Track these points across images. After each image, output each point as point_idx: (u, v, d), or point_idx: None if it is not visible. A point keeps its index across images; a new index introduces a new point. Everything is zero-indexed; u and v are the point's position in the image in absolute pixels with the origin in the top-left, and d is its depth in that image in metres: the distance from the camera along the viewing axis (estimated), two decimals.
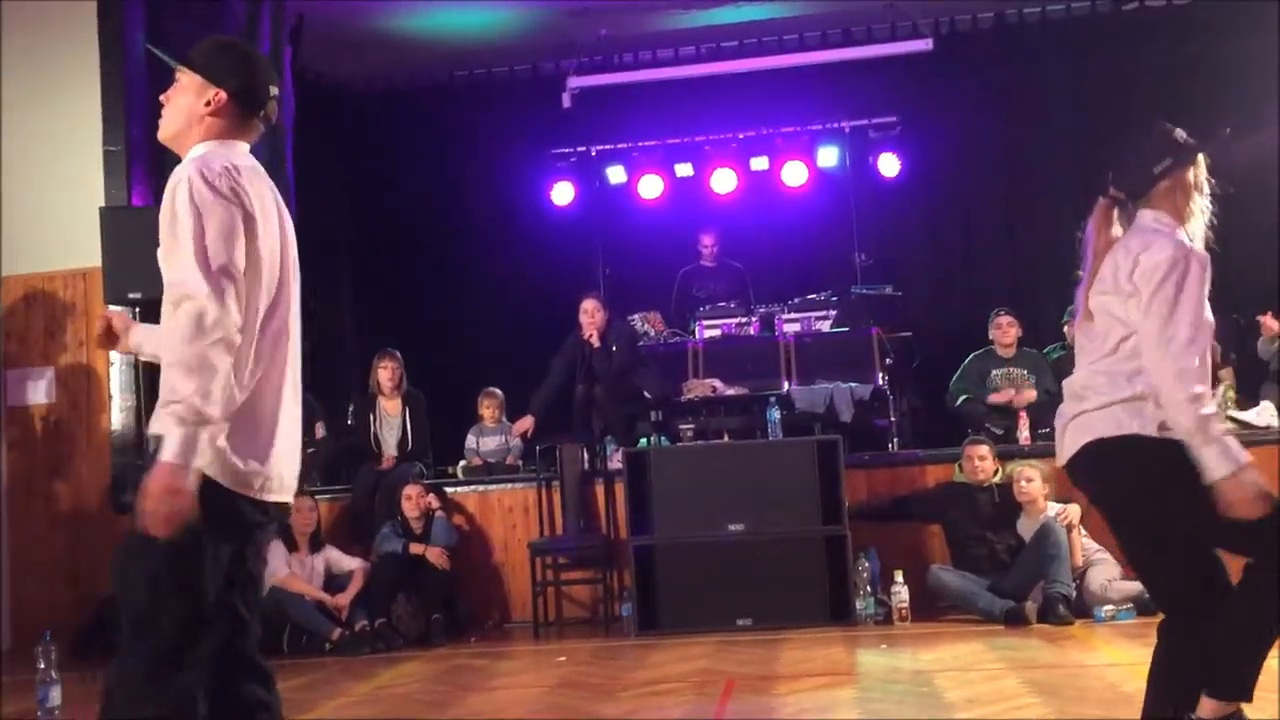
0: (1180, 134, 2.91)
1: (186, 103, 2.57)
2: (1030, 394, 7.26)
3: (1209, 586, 2.75)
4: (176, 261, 2.42)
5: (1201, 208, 2.89)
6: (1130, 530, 2.87)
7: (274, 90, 2.62)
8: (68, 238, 7.24)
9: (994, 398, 7.34)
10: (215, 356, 2.30)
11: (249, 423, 2.43)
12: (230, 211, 2.42)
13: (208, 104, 2.55)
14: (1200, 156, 2.91)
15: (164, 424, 2.28)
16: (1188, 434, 2.65)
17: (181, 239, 2.41)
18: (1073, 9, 9.56)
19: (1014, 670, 4.73)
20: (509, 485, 7.25)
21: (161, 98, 2.62)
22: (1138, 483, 2.76)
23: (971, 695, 4.31)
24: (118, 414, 7.30)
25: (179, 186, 2.43)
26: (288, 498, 2.53)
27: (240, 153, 2.55)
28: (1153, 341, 2.71)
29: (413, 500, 6.74)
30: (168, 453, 2.26)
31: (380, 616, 6.35)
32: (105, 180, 7.32)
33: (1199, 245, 2.84)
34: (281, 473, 2.48)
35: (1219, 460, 2.62)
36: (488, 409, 7.76)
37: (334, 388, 7.72)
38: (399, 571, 6.56)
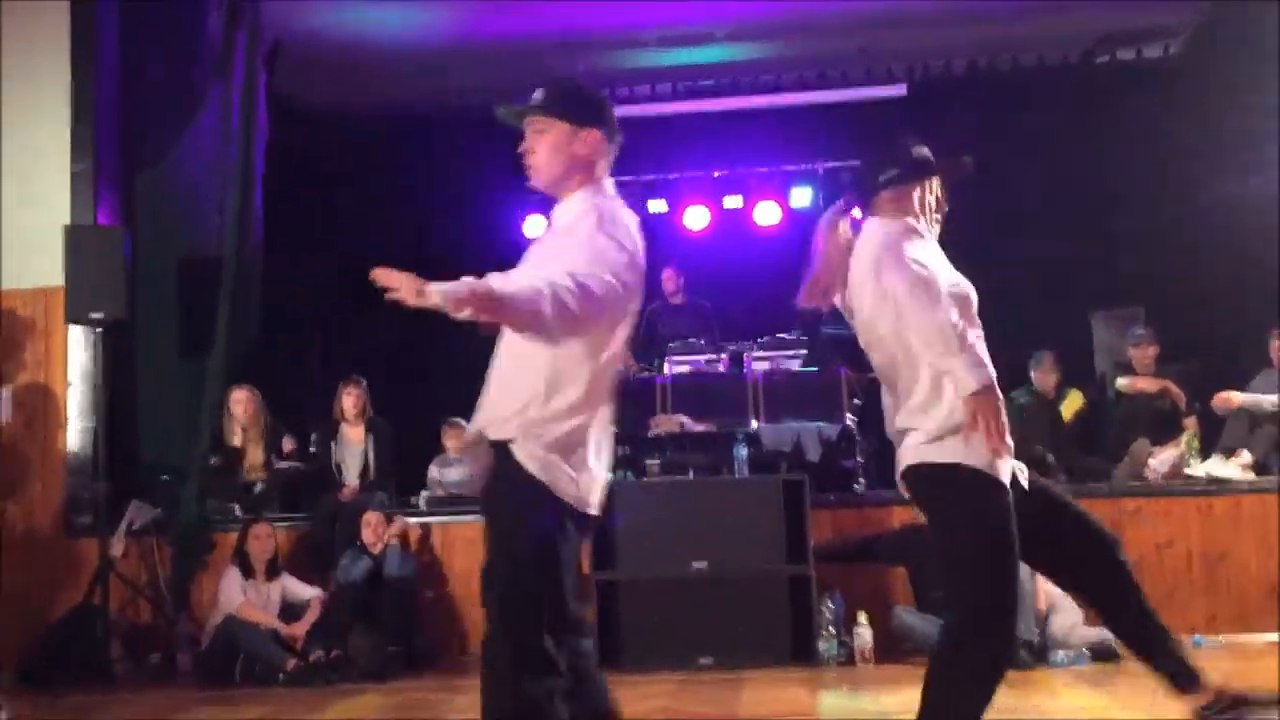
0: (920, 151, 2.96)
1: (558, 149, 2.61)
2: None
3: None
4: (560, 261, 2.51)
5: (923, 229, 2.88)
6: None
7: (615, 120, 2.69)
8: (30, 256, 7.14)
9: None
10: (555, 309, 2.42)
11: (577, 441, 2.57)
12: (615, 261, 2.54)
13: (584, 144, 2.61)
14: (934, 180, 2.94)
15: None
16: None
17: (583, 247, 2.51)
18: (1045, 59, 9.70)
19: None
20: (472, 517, 7.16)
21: (522, 149, 2.65)
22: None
23: None
24: (74, 435, 7.19)
25: (587, 216, 2.55)
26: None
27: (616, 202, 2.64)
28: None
29: (372, 527, 6.64)
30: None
31: (336, 648, 6.23)
32: (72, 200, 7.24)
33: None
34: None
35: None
36: (452, 439, 7.68)
37: (300, 415, 7.63)
38: (358, 601, 6.46)
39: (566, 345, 2.54)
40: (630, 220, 2.63)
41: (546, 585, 2.53)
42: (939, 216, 2.95)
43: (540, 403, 2.56)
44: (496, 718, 2.52)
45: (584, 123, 2.61)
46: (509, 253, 9.78)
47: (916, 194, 2.91)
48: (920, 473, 2.85)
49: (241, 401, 7.21)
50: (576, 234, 2.54)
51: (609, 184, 2.66)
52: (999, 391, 2.71)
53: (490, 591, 2.58)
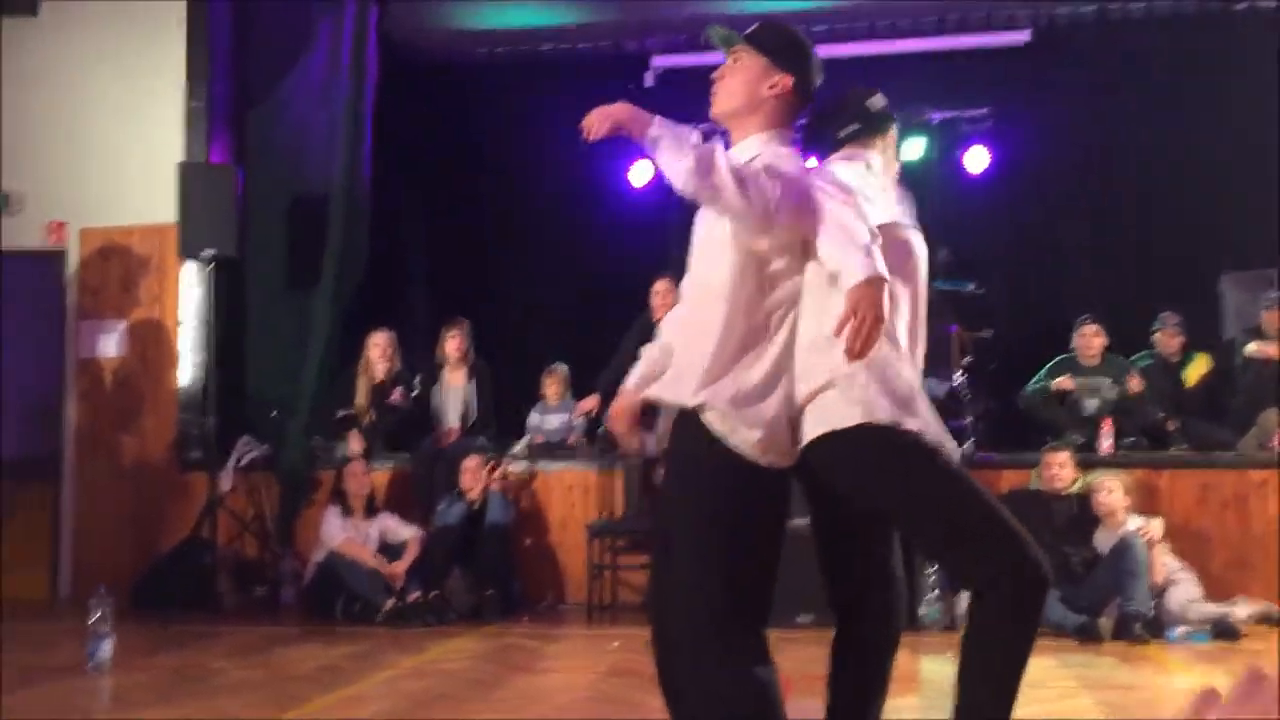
0: (876, 102, 2.78)
1: (747, 82, 2.55)
2: (1134, 380, 6.94)
3: None
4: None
5: (882, 185, 2.70)
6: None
7: (820, 80, 2.62)
8: (146, 193, 7.27)
9: (1059, 383, 7.01)
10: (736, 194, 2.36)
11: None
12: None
13: (772, 86, 2.54)
14: (891, 130, 2.78)
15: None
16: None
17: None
18: (1180, 6, 9.18)
19: (1087, 689, 4.52)
20: (570, 464, 7.15)
21: (714, 75, 2.59)
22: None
23: (1042, 713, 4.10)
24: (186, 371, 7.33)
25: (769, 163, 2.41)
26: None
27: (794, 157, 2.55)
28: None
29: (471, 471, 6.66)
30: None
31: (434, 589, 6.28)
32: (186, 137, 7.33)
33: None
34: None
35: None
36: (552, 386, 7.66)
37: (405, 357, 7.65)
38: (455, 545, 6.49)
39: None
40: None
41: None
42: (894, 174, 2.77)
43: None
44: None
45: (781, 65, 2.55)
46: (610, 200, 9.73)
47: (874, 149, 2.75)
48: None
49: (379, 345, 7.22)
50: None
51: (786, 138, 2.58)
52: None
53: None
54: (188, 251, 6.93)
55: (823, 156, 2.76)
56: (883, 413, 2.49)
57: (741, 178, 2.33)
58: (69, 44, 7.44)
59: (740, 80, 2.56)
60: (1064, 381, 7.01)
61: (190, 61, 7.34)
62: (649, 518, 6.75)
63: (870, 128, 2.76)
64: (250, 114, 7.56)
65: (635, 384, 2.78)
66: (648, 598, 2.78)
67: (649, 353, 2.81)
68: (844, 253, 2.34)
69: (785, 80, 2.55)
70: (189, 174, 6.91)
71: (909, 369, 2.62)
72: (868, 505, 2.59)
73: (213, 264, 7.03)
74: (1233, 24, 8.97)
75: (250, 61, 7.56)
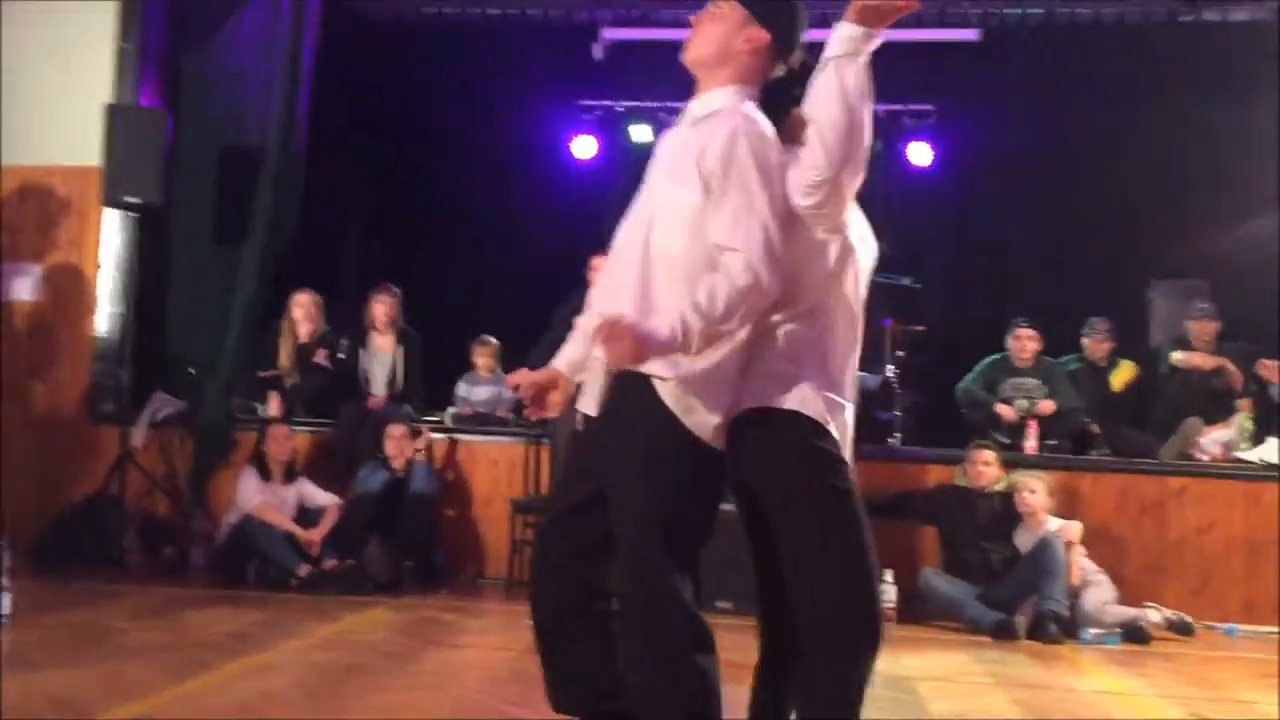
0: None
1: (723, 33, 2.53)
2: (1048, 405, 7.01)
3: None
4: (738, 220, 2.41)
5: None
6: None
7: (801, 39, 2.58)
8: (71, 134, 6.99)
9: (1000, 409, 7.06)
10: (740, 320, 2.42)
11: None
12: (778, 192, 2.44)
13: (746, 40, 2.52)
14: None
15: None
16: None
17: (752, 196, 2.40)
18: (1126, 14, 9.27)
19: (1001, 686, 4.55)
20: (497, 438, 7.04)
21: (692, 18, 2.58)
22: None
23: (956, 709, 4.12)
24: (104, 320, 7.09)
25: (735, 138, 2.41)
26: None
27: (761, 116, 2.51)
28: None
29: (395, 439, 6.53)
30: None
31: (351, 557, 6.15)
32: (115, 79, 7.07)
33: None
34: None
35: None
36: (481, 357, 7.54)
37: (332, 321, 7.48)
38: (376, 513, 6.36)
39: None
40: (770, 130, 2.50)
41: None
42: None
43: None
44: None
45: (759, 19, 2.51)
46: (551, 171, 9.58)
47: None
48: None
49: (303, 305, 7.05)
50: (724, 167, 2.42)
51: (751, 94, 2.54)
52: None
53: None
54: (111, 197, 6.68)
55: (775, 121, 2.67)
56: (814, 409, 2.48)
57: (726, 314, 2.38)
58: None
59: (716, 29, 2.53)
60: (1003, 409, 7.01)
61: (123, 1, 7.07)
62: None
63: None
64: (184, 59, 7.31)
65: (562, 366, 2.71)
66: (536, 573, 2.70)
67: (579, 334, 2.72)
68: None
69: (761, 35, 2.51)
70: (116, 117, 6.65)
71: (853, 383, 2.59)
72: (745, 496, 2.54)
73: (137, 211, 6.78)
74: (1178, 34, 9.08)
75: (186, 4, 7.30)
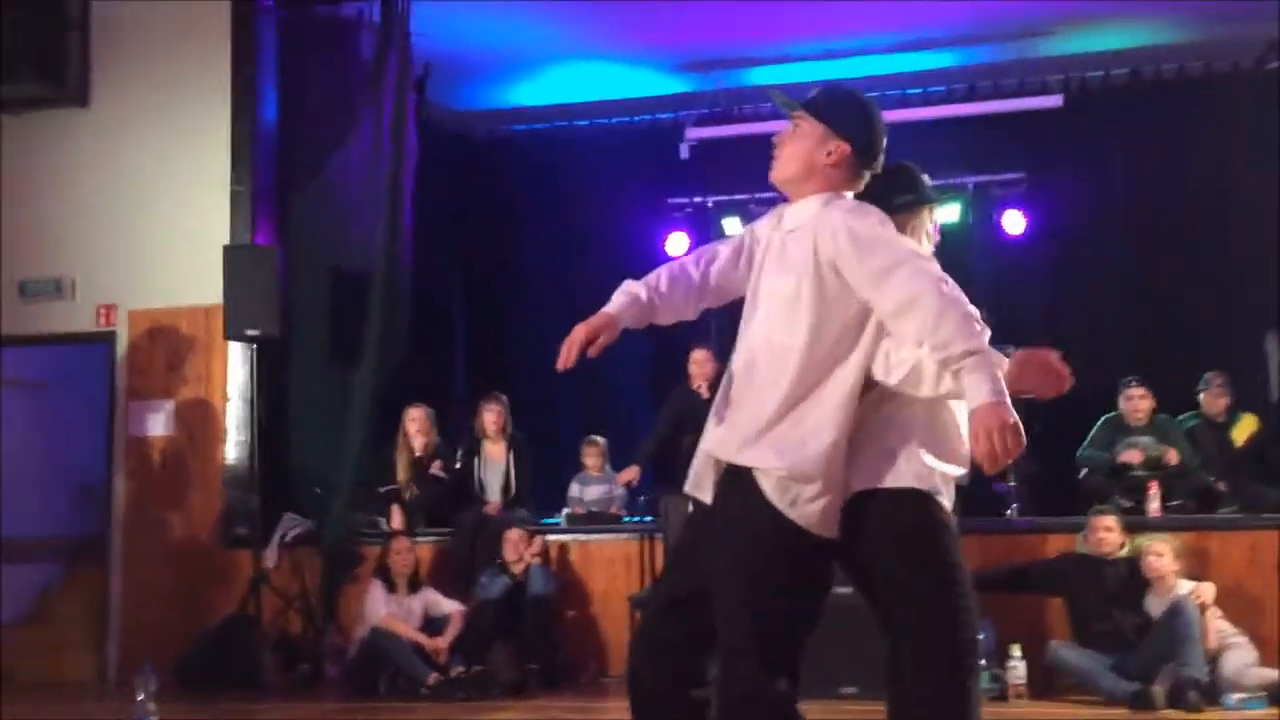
0: (925, 179, 2.83)
1: (806, 149, 2.58)
2: (1173, 454, 6.85)
3: None
4: (902, 271, 2.44)
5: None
6: None
7: (884, 145, 2.64)
8: (192, 275, 7.43)
9: (1125, 456, 6.91)
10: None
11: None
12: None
13: (829, 154, 2.57)
14: (934, 207, 2.83)
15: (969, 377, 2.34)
16: None
17: (898, 250, 2.47)
18: (1213, 67, 9.21)
19: None
20: (611, 535, 7.14)
21: (775, 139, 2.63)
22: None
23: None
24: (232, 449, 7.42)
25: (845, 230, 2.47)
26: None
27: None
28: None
29: (513, 544, 6.66)
30: (986, 393, 2.31)
31: (477, 663, 6.27)
32: (231, 219, 7.50)
33: None
34: None
35: None
36: (591, 457, 7.68)
37: (445, 431, 7.73)
38: (498, 618, 6.48)
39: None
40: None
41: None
42: (933, 246, 2.81)
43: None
44: None
45: (839, 131, 2.57)
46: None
47: (919, 219, 2.78)
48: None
49: (416, 420, 7.31)
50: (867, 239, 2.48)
51: (848, 197, 2.61)
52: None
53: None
54: (232, 331, 7.06)
55: None
56: (927, 484, 2.51)
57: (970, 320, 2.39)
58: (118, 133, 7.67)
59: (798, 147, 2.58)
60: (1131, 455, 6.91)
61: (234, 147, 7.54)
62: None
63: (921, 200, 2.78)
64: (293, 195, 7.73)
65: (617, 309, 2.70)
66: (637, 654, 2.69)
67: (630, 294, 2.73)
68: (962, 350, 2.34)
69: (842, 148, 2.56)
70: (233, 256, 7.07)
71: (964, 449, 2.59)
72: (873, 571, 2.55)
73: (256, 343, 7.15)
74: (1266, 83, 8.98)
75: (293, 145, 7.74)
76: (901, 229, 2.67)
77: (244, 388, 7.38)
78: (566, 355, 2.63)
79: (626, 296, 2.71)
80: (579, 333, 2.64)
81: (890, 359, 2.49)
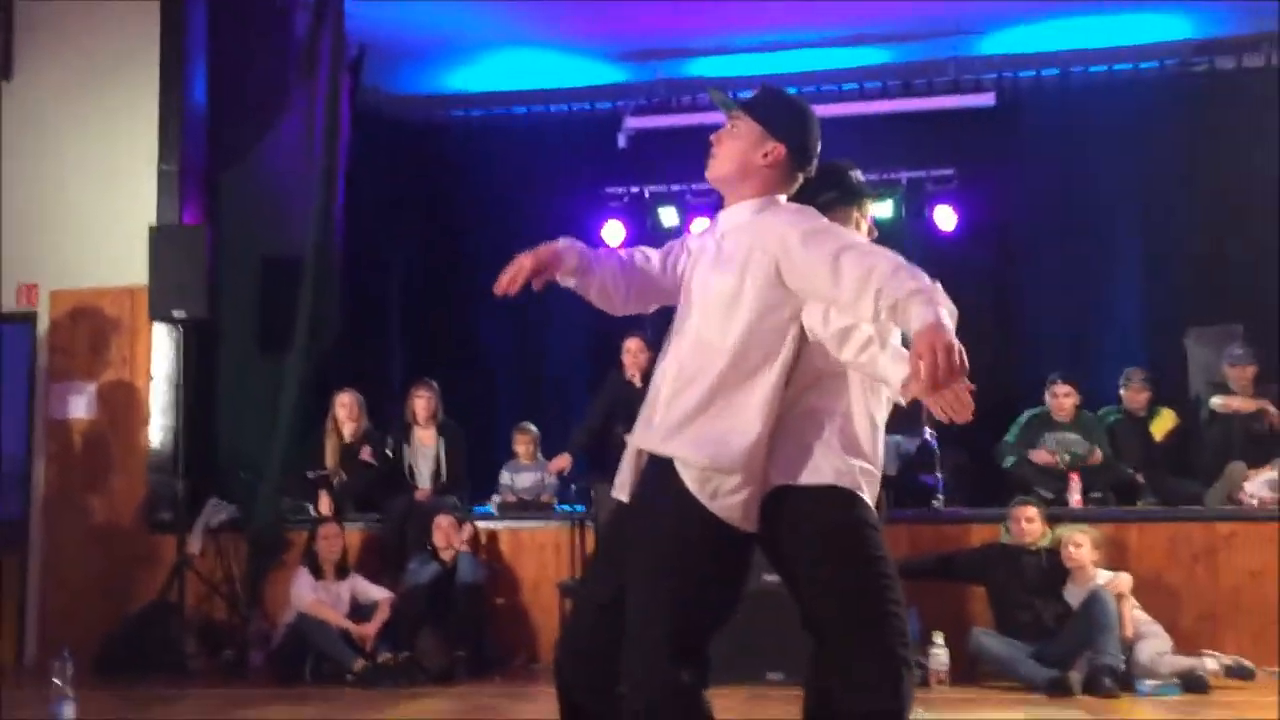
0: (855, 176, 2.85)
1: (743, 149, 2.59)
2: (1098, 455, 7.02)
3: None
4: (852, 253, 2.43)
5: None
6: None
7: (819, 148, 2.65)
8: (117, 255, 7.28)
9: (1039, 456, 7.09)
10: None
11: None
12: None
13: (765, 155, 2.58)
14: (865, 203, 2.85)
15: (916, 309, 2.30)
16: None
17: (844, 236, 2.49)
18: (1140, 69, 9.40)
19: None
20: (542, 523, 7.13)
21: (712, 138, 2.64)
22: None
23: None
24: (156, 432, 7.29)
25: (791, 229, 2.48)
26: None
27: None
28: None
29: (443, 530, 6.63)
30: (932, 315, 2.27)
31: (405, 650, 6.23)
32: (158, 199, 7.37)
33: None
34: None
35: None
36: (523, 445, 7.67)
37: (378, 417, 7.66)
38: (427, 605, 6.44)
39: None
40: None
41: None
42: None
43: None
44: None
45: (775, 133, 2.59)
46: None
47: (848, 218, 2.83)
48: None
49: (346, 405, 7.24)
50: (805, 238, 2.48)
51: (782, 200, 2.63)
52: None
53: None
54: (157, 313, 6.94)
55: None
56: (848, 481, 2.54)
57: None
58: (43, 109, 7.49)
59: (735, 146, 2.60)
60: (1042, 455, 7.06)
61: (163, 125, 7.40)
62: None
63: (848, 198, 2.81)
64: (223, 176, 7.61)
65: (562, 245, 2.68)
66: (561, 656, 2.69)
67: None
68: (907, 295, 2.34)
69: (779, 149, 2.58)
70: (159, 236, 6.94)
71: (881, 444, 2.64)
72: (796, 567, 2.56)
73: (184, 325, 7.03)
74: (1193, 85, 9.19)
75: (223, 125, 7.61)
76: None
77: (169, 370, 7.26)
78: (510, 281, 2.60)
79: (569, 241, 2.70)
80: (526, 261, 2.60)
81: (830, 313, 2.51)
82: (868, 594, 2.51)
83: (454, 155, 10.13)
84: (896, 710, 2.47)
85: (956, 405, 2.45)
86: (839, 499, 2.52)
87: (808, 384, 2.56)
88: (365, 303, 8.69)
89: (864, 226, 2.89)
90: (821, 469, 2.51)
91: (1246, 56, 9.18)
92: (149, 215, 7.26)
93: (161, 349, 7.30)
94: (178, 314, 6.88)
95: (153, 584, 6.84)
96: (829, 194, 2.79)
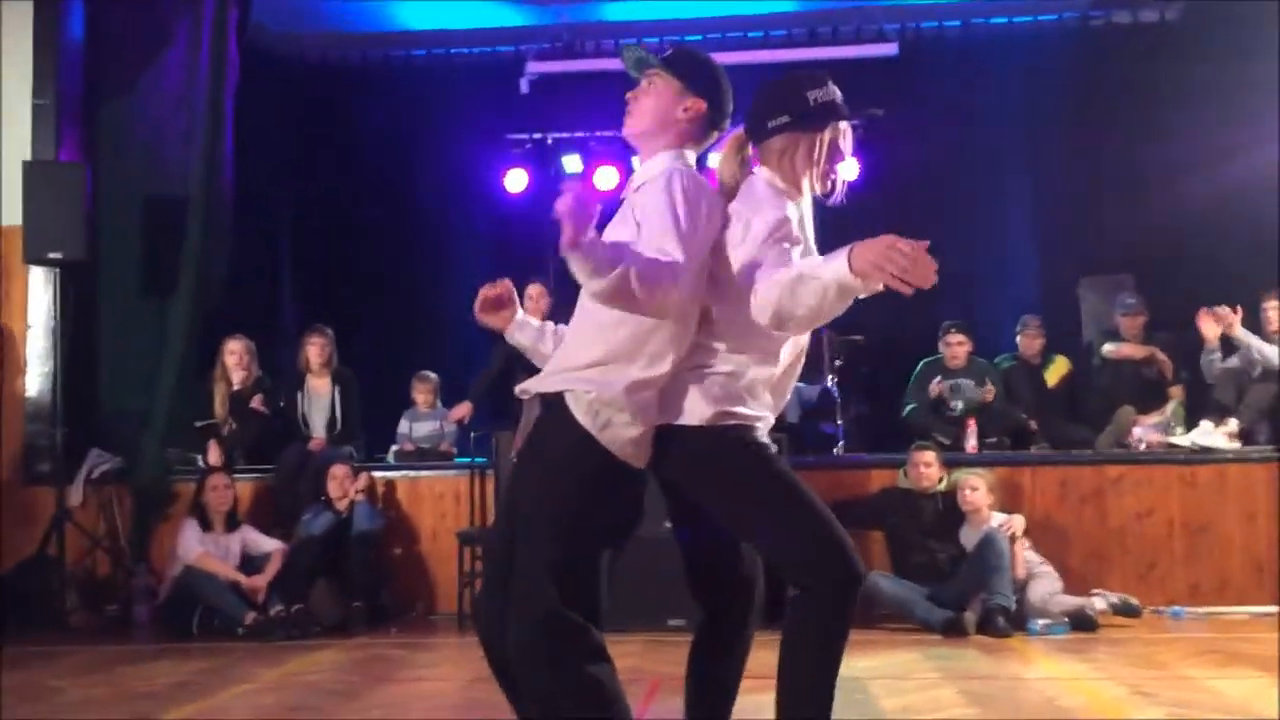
0: (816, 95, 2.55)
1: (663, 105, 2.61)
2: (990, 391, 7.10)
3: None
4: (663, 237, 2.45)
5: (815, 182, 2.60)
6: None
7: (731, 107, 2.68)
8: None
9: (931, 388, 7.16)
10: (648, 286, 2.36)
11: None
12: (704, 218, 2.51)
13: (685, 110, 2.61)
14: (837, 126, 2.58)
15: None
16: None
17: (678, 214, 2.47)
18: (1040, 21, 9.48)
19: (949, 680, 4.58)
20: (441, 472, 7.01)
21: (629, 95, 2.65)
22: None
23: (906, 703, 4.15)
24: (34, 380, 6.99)
25: (670, 177, 2.50)
26: None
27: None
28: None
29: (338, 480, 6.47)
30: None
31: (297, 602, 6.08)
32: (33, 135, 7.00)
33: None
34: None
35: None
36: (421, 393, 7.52)
37: (270, 365, 7.43)
38: (321, 555, 6.30)
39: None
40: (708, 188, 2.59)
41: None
42: (834, 173, 2.65)
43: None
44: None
45: (694, 90, 2.61)
46: (484, 206, 9.57)
47: (806, 146, 2.56)
48: None
49: (235, 352, 6.99)
50: (657, 205, 2.48)
51: (691, 156, 2.65)
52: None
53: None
54: (34, 254, 6.62)
55: (756, 143, 2.63)
56: (739, 419, 2.52)
57: (648, 287, 2.34)
58: None
59: (654, 102, 2.62)
60: (936, 386, 7.15)
61: (37, 58, 7.02)
62: None
63: (802, 122, 2.55)
64: (102, 112, 7.26)
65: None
66: (478, 620, 2.70)
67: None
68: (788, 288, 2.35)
69: (698, 104, 2.61)
70: (34, 173, 6.60)
71: (762, 372, 2.59)
72: (698, 501, 2.58)
73: (61, 267, 6.71)
74: (1090, 36, 9.30)
75: (102, 58, 7.25)
76: (786, 156, 2.57)
77: (47, 315, 6.94)
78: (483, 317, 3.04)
79: (540, 324, 2.99)
80: (500, 290, 2.99)
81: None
82: (783, 497, 2.50)
83: (352, 97, 9.81)
84: (854, 576, 2.48)
85: (924, 273, 2.33)
86: (731, 436, 2.51)
87: (702, 328, 2.55)
88: (255, 246, 8.38)
89: (820, 155, 2.58)
90: (709, 409, 2.51)
91: (1141, 12, 9.32)
92: (23, 151, 6.91)
93: (37, 293, 6.98)
94: (54, 256, 6.57)
95: (30, 539, 6.58)
96: (780, 118, 2.56)
